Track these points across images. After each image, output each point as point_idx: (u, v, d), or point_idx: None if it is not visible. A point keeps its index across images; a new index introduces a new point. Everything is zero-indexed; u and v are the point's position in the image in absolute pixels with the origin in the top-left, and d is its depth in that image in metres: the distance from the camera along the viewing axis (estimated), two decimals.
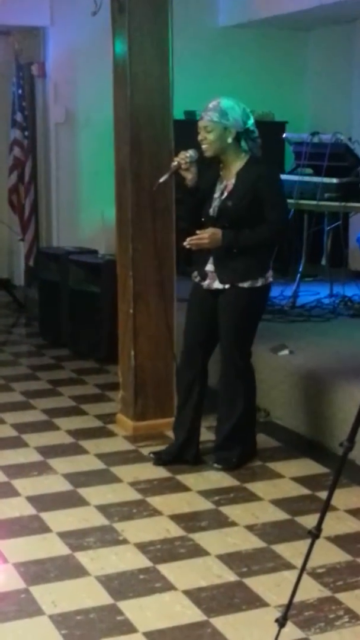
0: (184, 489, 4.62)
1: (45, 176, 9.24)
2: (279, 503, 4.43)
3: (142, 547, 3.94)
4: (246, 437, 4.89)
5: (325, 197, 6.75)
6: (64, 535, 4.06)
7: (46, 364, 7.12)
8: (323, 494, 4.33)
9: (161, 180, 4.71)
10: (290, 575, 3.60)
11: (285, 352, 5.75)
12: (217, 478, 4.74)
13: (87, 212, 8.93)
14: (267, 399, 5.64)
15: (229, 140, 4.56)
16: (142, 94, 5.14)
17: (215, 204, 4.64)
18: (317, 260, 7.50)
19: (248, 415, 4.85)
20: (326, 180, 6.74)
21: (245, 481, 4.70)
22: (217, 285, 4.68)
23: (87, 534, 4.08)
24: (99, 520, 4.23)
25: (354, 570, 3.73)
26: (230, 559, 3.83)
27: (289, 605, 2.97)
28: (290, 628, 3.18)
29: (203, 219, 4.67)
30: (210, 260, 4.69)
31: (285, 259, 7.74)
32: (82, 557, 3.85)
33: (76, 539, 4.02)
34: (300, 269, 7.16)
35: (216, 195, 4.66)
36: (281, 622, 2.96)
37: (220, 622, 3.34)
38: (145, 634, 3.26)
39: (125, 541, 4.01)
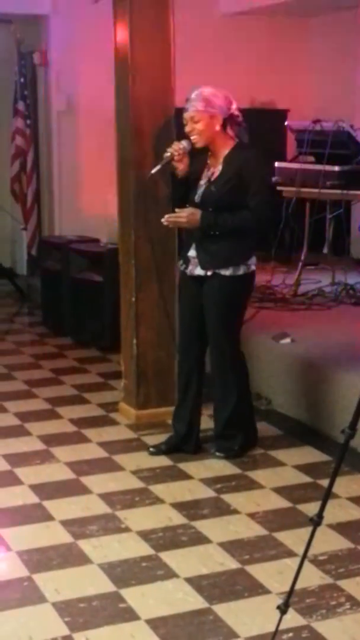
0: (186, 477, 4.63)
1: (48, 165, 9.23)
2: (280, 491, 4.44)
3: (145, 535, 3.96)
4: (246, 424, 4.90)
5: (327, 185, 6.74)
6: (66, 524, 4.07)
7: (49, 353, 7.13)
8: (324, 482, 4.34)
9: (153, 170, 4.70)
10: (292, 563, 3.61)
11: (287, 340, 5.75)
12: (219, 466, 4.75)
13: (89, 200, 8.92)
14: (268, 387, 5.65)
15: (217, 127, 4.56)
16: (144, 82, 5.13)
17: (200, 190, 4.64)
18: (319, 248, 7.49)
19: (244, 402, 4.85)
20: (328, 168, 6.73)
21: (247, 469, 4.71)
22: (199, 271, 4.67)
23: (89, 522, 4.09)
24: (102, 508, 4.25)
25: (355, 558, 3.75)
26: (232, 547, 3.85)
27: (290, 593, 2.98)
28: (291, 615, 3.19)
29: (188, 206, 4.66)
30: (193, 245, 4.69)
31: (287, 247, 7.74)
32: (85, 545, 3.87)
33: (79, 527, 4.04)
34: (302, 257, 7.15)
35: (202, 182, 4.65)
36: (283, 609, 2.97)
37: (222, 609, 3.35)
38: (148, 621, 3.27)
39: (127, 529, 4.03)
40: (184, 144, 4.61)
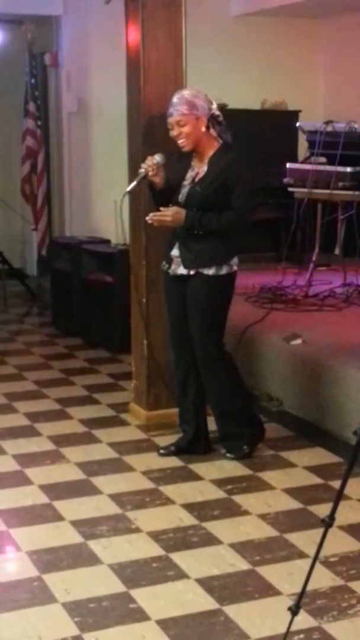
0: (197, 477, 4.62)
1: (58, 166, 9.24)
2: (291, 492, 4.43)
3: (155, 536, 3.95)
4: (248, 419, 4.87)
5: (338, 186, 6.73)
6: (76, 524, 4.07)
7: (59, 353, 7.13)
8: (335, 483, 4.34)
9: (129, 188, 4.73)
10: (303, 564, 3.60)
11: (298, 341, 5.74)
12: (229, 467, 4.74)
13: (100, 201, 8.92)
14: (279, 388, 5.64)
15: (202, 129, 4.56)
16: (155, 83, 5.13)
17: (185, 190, 4.63)
18: (330, 249, 7.48)
19: (239, 397, 4.83)
20: (340, 169, 6.72)
21: (258, 470, 4.70)
22: (181, 270, 4.67)
23: (100, 522, 4.09)
24: (112, 508, 4.24)
25: None
26: (243, 548, 3.84)
27: (301, 594, 2.97)
28: (303, 616, 3.19)
29: (171, 206, 4.64)
30: (176, 245, 4.69)
31: (299, 248, 7.73)
32: (95, 546, 3.86)
33: (89, 527, 4.04)
34: (314, 258, 7.14)
35: (186, 182, 4.65)
36: (294, 611, 2.96)
37: (232, 611, 3.34)
38: (158, 622, 3.27)
39: (138, 530, 4.02)
40: (157, 158, 4.63)
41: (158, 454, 4.91)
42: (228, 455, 4.85)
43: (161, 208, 4.60)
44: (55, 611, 3.35)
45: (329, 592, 3.47)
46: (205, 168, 4.60)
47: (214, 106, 4.63)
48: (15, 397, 5.93)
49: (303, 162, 7.23)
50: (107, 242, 7.74)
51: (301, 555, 3.76)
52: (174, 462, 4.81)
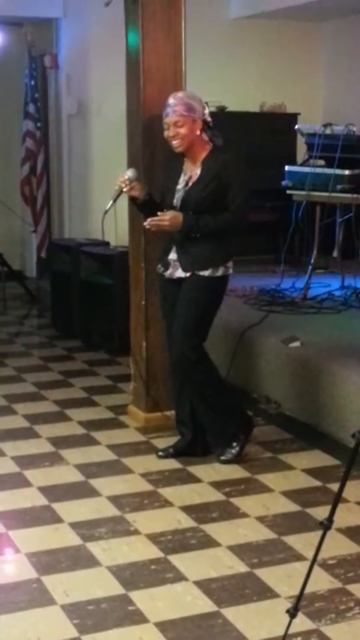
0: (195, 480, 4.63)
1: (58, 168, 9.25)
2: (289, 494, 4.43)
3: (154, 538, 3.96)
4: (232, 414, 4.83)
5: (337, 189, 6.73)
6: (75, 526, 4.08)
7: (58, 355, 7.14)
8: (334, 486, 4.34)
9: (107, 207, 4.71)
10: (301, 567, 3.61)
11: (297, 343, 5.74)
12: (228, 469, 4.74)
13: (99, 203, 8.92)
14: (277, 391, 5.65)
15: (197, 131, 4.58)
16: (155, 86, 5.14)
17: (179, 194, 4.64)
18: (328, 252, 7.48)
19: (221, 395, 4.79)
20: (338, 171, 6.72)
21: (256, 472, 4.70)
22: (179, 273, 4.68)
23: (98, 524, 4.10)
24: (111, 510, 4.25)
25: None
26: (241, 550, 3.84)
27: (299, 597, 2.98)
28: (301, 619, 3.19)
29: (165, 210, 4.65)
30: (174, 249, 4.69)
31: (297, 250, 7.73)
32: (94, 548, 3.87)
33: (88, 529, 4.04)
34: (312, 261, 7.15)
35: (179, 186, 4.66)
36: (292, 613, 2.97)
37: (231, 613, 3.35)
38: (157, 624, 3.27)
39: (136, 532, 4.03)
40: (129, 174, 4.68)
41: (157, 456, 4.92)
42: (222, 458, 4.81)
43: (158, 213, 4.61)
44: (54, 613, 3.36)
45: (327, 594, 3.47)
46: (198, 171, 4.61)
47: (207, 111, 4.65)
48: (14, 399, 5.93)
49: (302, 164, 7.23)
50: (107, 244, 7.74)
51: (299, 557, 3.77)
52: (172, 464, 4.82)
